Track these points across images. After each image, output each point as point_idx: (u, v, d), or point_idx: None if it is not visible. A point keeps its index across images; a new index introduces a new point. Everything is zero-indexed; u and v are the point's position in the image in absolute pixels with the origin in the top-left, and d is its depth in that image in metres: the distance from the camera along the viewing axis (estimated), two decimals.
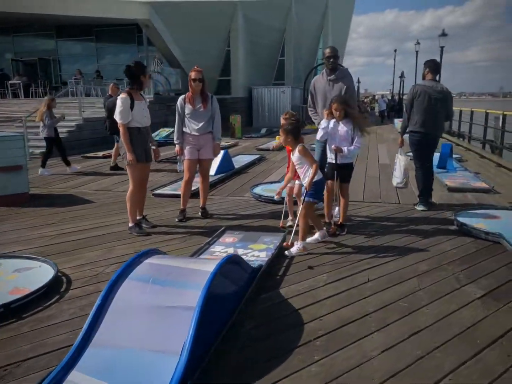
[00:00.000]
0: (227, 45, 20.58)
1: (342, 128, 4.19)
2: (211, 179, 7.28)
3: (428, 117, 5.07)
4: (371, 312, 2.74)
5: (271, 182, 6.93)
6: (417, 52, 22.95)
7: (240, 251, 3.70)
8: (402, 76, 33.89)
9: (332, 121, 4.24)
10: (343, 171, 4.28)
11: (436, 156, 8.25)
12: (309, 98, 4.98)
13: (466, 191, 6.28)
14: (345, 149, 4.16)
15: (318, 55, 28.79)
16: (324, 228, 4.08)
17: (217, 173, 7.63)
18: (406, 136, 5.48)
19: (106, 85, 19.09)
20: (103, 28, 20.00)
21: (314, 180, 3.66)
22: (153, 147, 4.69)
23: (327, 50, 4.68)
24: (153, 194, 6.29)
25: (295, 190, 4.47)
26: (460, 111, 14.53)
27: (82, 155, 10.47)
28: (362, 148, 11.84)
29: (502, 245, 3.93)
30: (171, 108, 13.15)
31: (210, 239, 4.00)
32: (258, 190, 6.24)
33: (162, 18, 16.07)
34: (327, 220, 4.47)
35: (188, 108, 4.87)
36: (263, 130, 16.71)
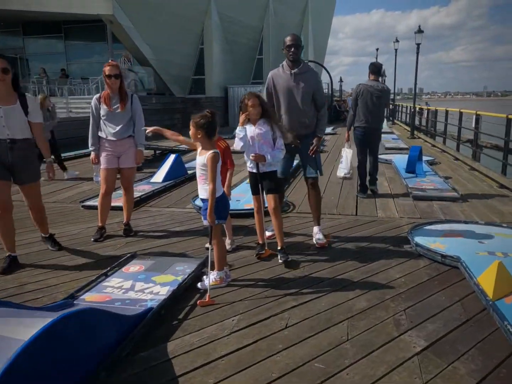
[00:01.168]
0: (200, 43, 19.83)
1: (261, 129, 3.47)
2: (157, 187, 6.63)
3: (371, 113, 5.68)
4: (273, 380, 2.06)
5: None
6: (396, 50, 22.43)
7: (138, 286, 3.00)
8: (383, 75, 33.50)
9: (247, 126, 3.54)
10: (266, 181, 3.57)
11: (404, 159, 7.70)
12: (266, 99, 3.91)
13: (431, 199, 5.65)
14: (268, 155, 3.47)
15: None
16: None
17: (165, 180, 6.94)
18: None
19: (74, 84, 18.25)
20: (72, 25, 19.09)
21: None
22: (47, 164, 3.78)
23: (288, 38, 3.74)
24: (82, 206, 5.57)
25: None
26: (436, 110, 13.96)
27: None
28: (334, 149, 11.39)
29: (460, 271, 3.30)
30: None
31: (108, 268, 3.29)
32: (199, 201, 5.50)
33: (127, 14, 15.22)
34: (260, 242, 3.79)
35: (103, 109, 4.17)
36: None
